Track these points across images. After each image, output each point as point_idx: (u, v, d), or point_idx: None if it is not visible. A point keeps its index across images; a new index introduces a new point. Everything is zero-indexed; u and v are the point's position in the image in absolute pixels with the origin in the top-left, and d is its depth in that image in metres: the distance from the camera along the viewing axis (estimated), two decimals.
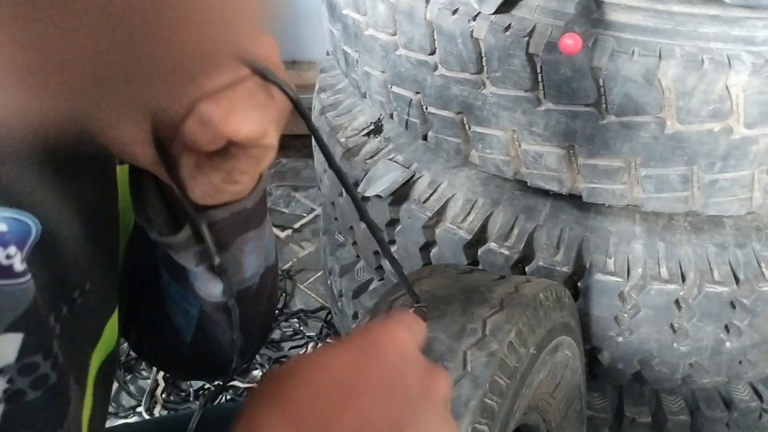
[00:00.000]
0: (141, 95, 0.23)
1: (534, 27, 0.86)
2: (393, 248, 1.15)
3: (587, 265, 0.97)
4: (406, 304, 0.69)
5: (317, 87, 1.37)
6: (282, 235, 1.89)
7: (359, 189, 1.13)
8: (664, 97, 0.82)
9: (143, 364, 1.54)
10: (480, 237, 1.03)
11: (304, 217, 1.95)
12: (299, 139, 2.22)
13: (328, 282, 1.52)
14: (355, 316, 1.37)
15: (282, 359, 1.54)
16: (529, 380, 0.69)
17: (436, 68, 0.95)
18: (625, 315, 0.98)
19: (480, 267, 0.99)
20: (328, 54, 1.40)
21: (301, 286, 1.75)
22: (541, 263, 0.98)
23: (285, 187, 2.03)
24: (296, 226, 1.92)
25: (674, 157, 0.86)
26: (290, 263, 1.81)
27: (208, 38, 0.22)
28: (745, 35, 0.81)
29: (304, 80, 2.15)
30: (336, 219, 1.32)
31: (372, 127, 1.22)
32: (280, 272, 1.76)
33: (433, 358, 0.61)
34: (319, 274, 1.77)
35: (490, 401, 0.58)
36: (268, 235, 0.56)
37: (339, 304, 1.45)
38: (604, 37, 0.83)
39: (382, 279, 1.28)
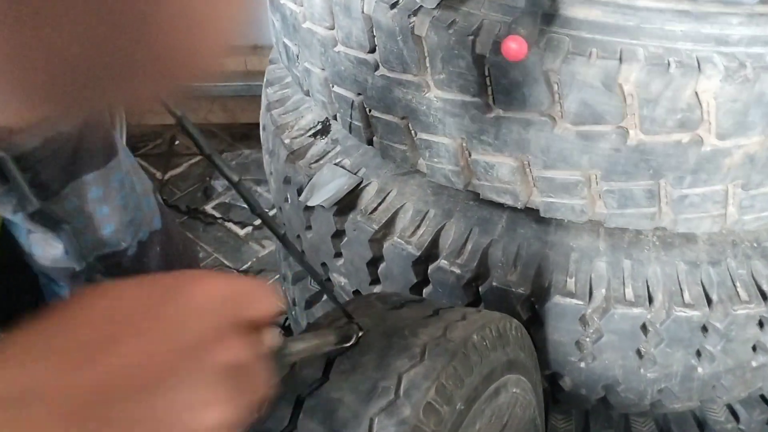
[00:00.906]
0: (123, 93, 0.23)
1: (481, 24, 0.75)
2: (339, 261, 1.05)
3: (546, 286, 0.88)
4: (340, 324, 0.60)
5: (265, 80, 1.27)
6: (242, 232, 1.79)
7: (301, 198, 1.03)
8: (626, 104, 0.72)
9: None
10: (430, 253, 0.93)
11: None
12: None
13: (283, 288, 1.42)
14: None
15: None
16: (463, 429, 0.60)
17: (377, 68, 0.85)
18: (587, 339, 0.89)
19: (420, 293, 0.90)
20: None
21: None
22: (495, 283, 0.88)
23: (247, 180, 1.92)
24: (257, 223, 1.82)
25: (638, 171, 0.77)
26: (249, 263, 1.71)
27: (189, 39, 0.23)
28: (717, 34, 0.71)
29: (266, 65, 2.04)
30: (285, 224, 1.22)
31: (319, 126, 1.12)
32: (238, 273, 1.66)
33: (338, 425, 0.52)
34: (279, 275, 1.68)
35: None
36: (132, 186, 0.47)
37: (293, 312, 1.36)
38: (559, 36, 0.72)
39: (332, 291, 1.19)
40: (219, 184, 1.91)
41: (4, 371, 0.33)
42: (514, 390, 0.75)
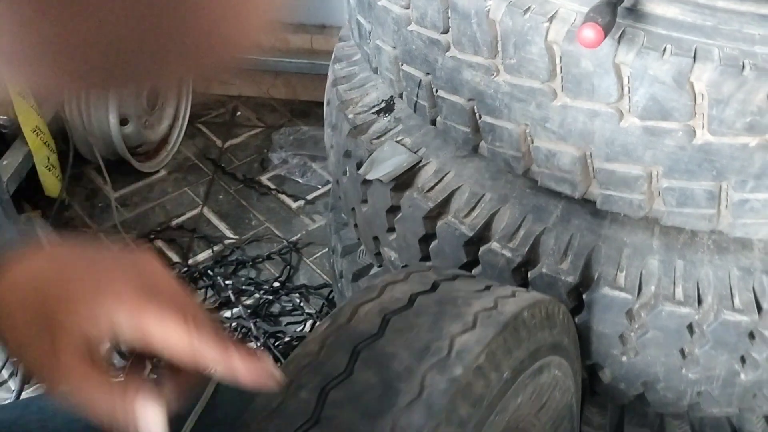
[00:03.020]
0: (161, 72, 0.24)
1: (557, 12, 0.77)
2: (392, 236, 1.08)
3: (595, 277, 0.89)
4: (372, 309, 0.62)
5: (333, 56, 1.30)
6: (294, 205, 1.84)
7: (361, 171, 1.06)
8: (695, 103, 0.73)
9: None
10: (483, 235, 0.95)
11: (318, 189, 1.88)
12: (322, 107, 2.15)
13: (331, 260, 1.46)
14: None
15: (278, 333, 1.50)
16: (502, 406, 0.62)
17: (448, 49, 0.87)
18: (632, 334, 0.90)
19: (470, 272, 0.92)
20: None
21: (307, 261, 1.70)
22: (544, 270, 0.90)
23: (302, 156, 1.96)
24: (309, 197, 1.86)
25: (701, 171, 0.77)
26: (299, 235, 1.75)
27: (228, 18, 0.23)
28: None
29: (332, 46, 2.06)
30: (340, 198, 1.25)
31: (383, 104, 1.14)
32: (287, 243, 1.71)
33: (387, 379, 0.54)
34: (326, 249, 1.72)
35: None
36: None
37: (339, 284, 1.39)
38: (634, 30, 0.73)
39: (381, 265, 1.22)
40: (276, 156, 1.95)
41: None
42: (555, 372, 0.77)
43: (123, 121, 1.74)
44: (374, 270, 1.27)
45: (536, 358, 0.68)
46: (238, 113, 2.14)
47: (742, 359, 0.90)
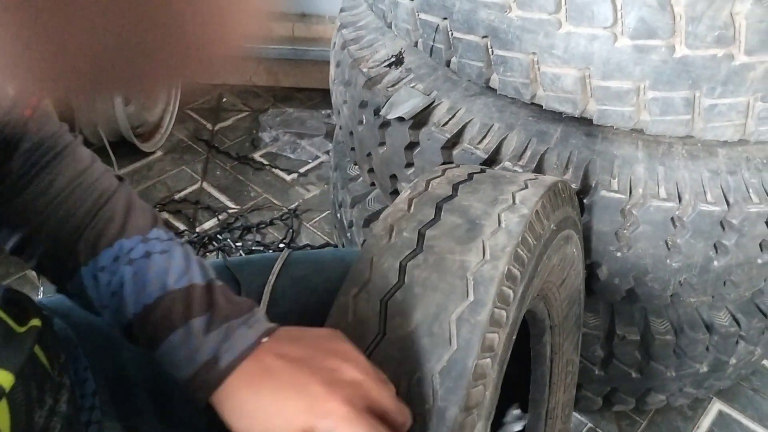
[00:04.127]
0: (142, 80, 0.24)
1: None
2: (410, 171, 1.23)
3: (593, 184, 1.06)
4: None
5: (338, 24, 1.44)
6: (288, 178, 1.96)
7: (382, 112, 1.20)
8: (675, 22, 0.91)
9: None
10: (495, 158, 1.11)
11: (309, 163, 2.02)
12: (303, 92, 2.29)
13: (338, 215, 1.59)
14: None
15: None
16: (548, 255, 0.78)
17: None
18: (625, 231, 1.07)
19: None
20: None
21: (307, 225, 1.82)
22: None
23: (291, 134, 2.09)
24: (302, 170, 1.99)
25: (680, 81, 0.95)
26: (297, 203, 1.88)
27: (216, 24, 0.23)
28: None
29: (312, 33, 2.21)
30: (353, 149, 1.39)
31: (393, 59, 1.30)
32: (287, 210, 1.83)
33: (470, 219, 0.69)
34: (323, 214, 1.85)
35: (521, 251, 0.67)
36: None
37: (348, 234, 1.53)
38: None
39: None
40: (266, 135, 2.07)
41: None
42: (573, 249, 0.93)
43: (125, 102, 1.83)
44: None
45: (565, 225, 0.84)
46: (224, 99, 2.25)
47: (715, 247, 1.08)
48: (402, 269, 0.64)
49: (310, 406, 0.48)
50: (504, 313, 0.63)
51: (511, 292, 0.64)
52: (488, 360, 0.60)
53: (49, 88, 0.23)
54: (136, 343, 0.56)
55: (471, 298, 0.61)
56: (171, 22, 0.21)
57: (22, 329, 0.52)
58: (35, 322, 0.54)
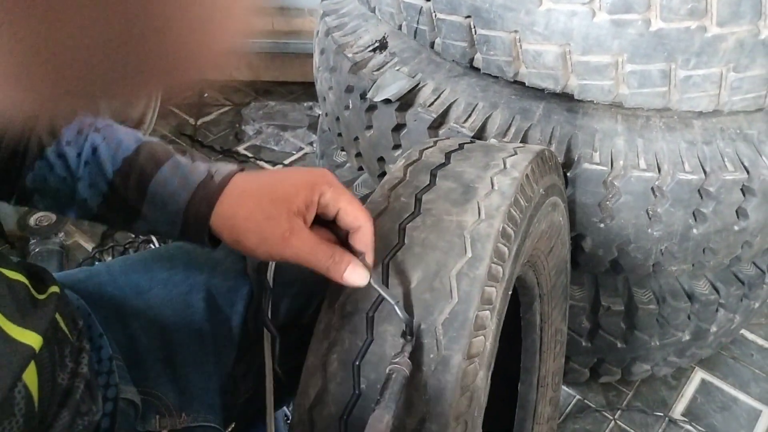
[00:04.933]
0: (136, 86, 0.24)
1: None
2: (397, 152, 1.26)
3: (576, 158, 1.10)
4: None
5: (321, 12, 1.47)
6: (273, 169, 1.98)
7: (368, 96, 1.23)
8: None
9: None
10: (480, 136, 1.15)
11: (294, 154, 2.03)
12: (285, 86, 2.31)
13: None
14: None
15: None
16: (537, 219, 0.81)
17: None
18: (608, 202, 1.11)
19: None
20: None
21: None
22: None
23: (275, 126, 2.11)
24: (286, 162, 2.00)
25: (656, 53, 0.99)
26: None
27: (202, 33, 0.23)
28: None
29: (292, 27, 2.24)
30: (339, 135, 1.42)
31: (377, 44, 1.32)
32: None
33: (465, 183, 0.72)
34: None
35: (513, 211, 0.70)
36: None
37: None
38: None
39: None
40: (250, 128, 2.09)
41: None
42: (560, 218, 0.97)
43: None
44: None
45: (551, 193, 0.87)
46: (206, 94, 2.26)
47: (694, 215, 1.13)
48: (401, 231, 0.67)
49: (309, 174, 0.61)
50: (500, 268, 0.66)
51: (506, 249, 0.67)
52: (487, 312, 0.63)
53: (36, 98, 0.22)
54: (119, 204, 0.59)
55: (469, 254, 0.64)
56: (163, 26, 0.21)
57: (43, 296, 0.54)
58: (54, 288, 0.56)
